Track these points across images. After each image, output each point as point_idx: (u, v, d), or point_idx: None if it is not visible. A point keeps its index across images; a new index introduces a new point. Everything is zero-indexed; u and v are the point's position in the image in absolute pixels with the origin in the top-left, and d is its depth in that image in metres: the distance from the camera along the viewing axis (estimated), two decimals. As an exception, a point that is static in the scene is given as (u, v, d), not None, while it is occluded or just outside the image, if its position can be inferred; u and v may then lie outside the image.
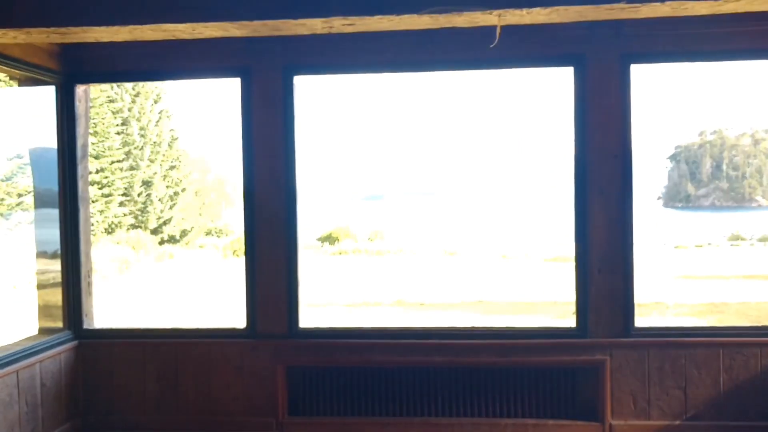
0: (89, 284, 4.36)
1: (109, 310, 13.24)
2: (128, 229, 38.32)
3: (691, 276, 25.85)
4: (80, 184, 4.28)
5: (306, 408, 4.14)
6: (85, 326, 4.28)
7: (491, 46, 2.93)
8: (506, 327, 4.33)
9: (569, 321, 9.34)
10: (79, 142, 4.28)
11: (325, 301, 13.66)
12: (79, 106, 4.28)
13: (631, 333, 3.94)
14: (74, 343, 4.22)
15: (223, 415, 4.16)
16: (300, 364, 4.12)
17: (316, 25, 2.80)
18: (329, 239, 50.71)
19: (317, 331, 4.35)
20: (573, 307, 10.11)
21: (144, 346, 4.27)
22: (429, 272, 27.59)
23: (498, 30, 2.88)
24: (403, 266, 30.39)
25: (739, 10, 3.68)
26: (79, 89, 4.26)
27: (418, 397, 4.04)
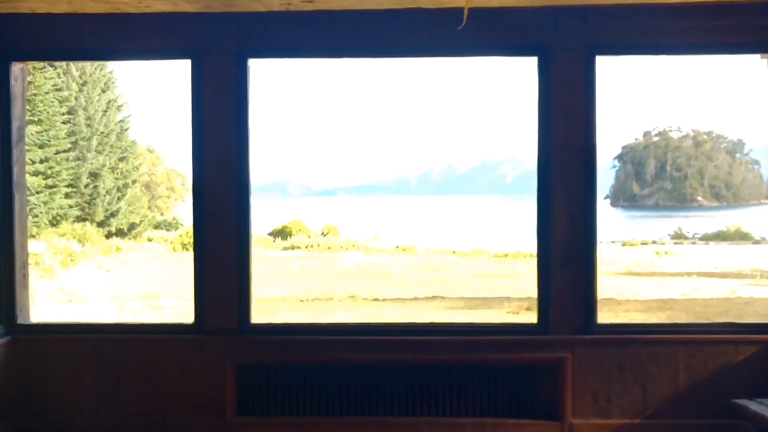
0: (24, 276, 4.06)
1: (51, 305, 12.71)
2: (74, 221, 37.18)
3: (639, 273, 26.49)
4: (15, 169, 3.98)
5: (257, 407, 3.93)
6: (18, 321, 3.98)
7: (459, 28, 2.79)
8: (466, 323, 4.21)
9: (526, 317, 9.35)
10: (15, 125, 3.98)
11: (277, 296, 13.41)
12: (15, 86, 3.97)
13: (592, 330, 3.87)
14: (6, 338, 3.92)
15: (168, 415, 3.92)
16: (251, 362, 3.92)
17: (272, 1, 2.61)
18: (282, 234, 50.19)
19: (269, 327, 4.16)
20: (526, 303, 10.11)
21: (83, 342, 3.99)
22: (383, 267, 27.49)
23: (465, 12, 2.75)
24: (356, 261, 30.23)
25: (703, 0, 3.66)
26: (15, 67, 3.95)
27: (374, 395, 3.88)
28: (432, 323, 4.19)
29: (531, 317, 9.99)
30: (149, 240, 48.87)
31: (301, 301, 11.76)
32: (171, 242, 42.39)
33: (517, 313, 10.04)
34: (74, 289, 16.95)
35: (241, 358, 3.90)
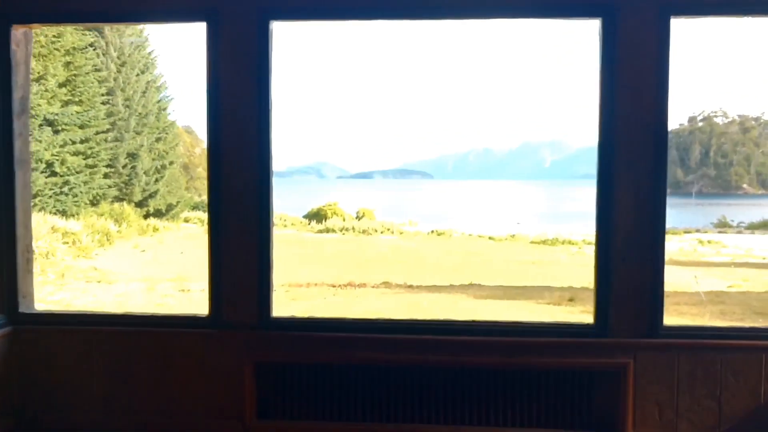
0: (28, 261, 3.73)
1: (81, 285, 12.59)
2: (112, 201, 37.54)
3: (681, 262, 25.57)
4: (18, 143, 3.63)
5: (278, 410, 3.55)
6: (21, 309, 3.65)
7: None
8: (512, 322, 3.72)
9: (570, 309, 8.82)
10: (17, 95, 3.62)
11: (309, 280, 13.08)
12: (17, 52, 3.61)
13: (658, 332, 3.38)
14: (7, 329, 3.60)
15: (182, 416, 3.56)
16: (271, 360, 3.52)
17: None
18: (317, 216, 50.13)
19: (291, 322, 3.75)
20: (568, 293, 9.55)
21: (90, 333, 3.64)
22: (417, 252, 27.06)
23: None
24: (390, 246, 29.85)
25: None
26: (17, 31, 3.59)
27: (408, 400, 3.46)
28: (473, 321, 3.71)
29: (574, 310, 9.47)
30: (186, 221, 49.31)
31: (333, 286, 11.38)
32: (206, 224, 42.65)
33: (559, 304, 9.51)
34: (107, 269, 16.93)
35: (260, 355, 3.51)
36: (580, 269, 21.52)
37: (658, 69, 3.33)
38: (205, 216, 45.33)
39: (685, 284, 15.29)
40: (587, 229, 55.80)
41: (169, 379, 3.57)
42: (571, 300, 9.68)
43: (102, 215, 32.82)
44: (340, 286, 11.44)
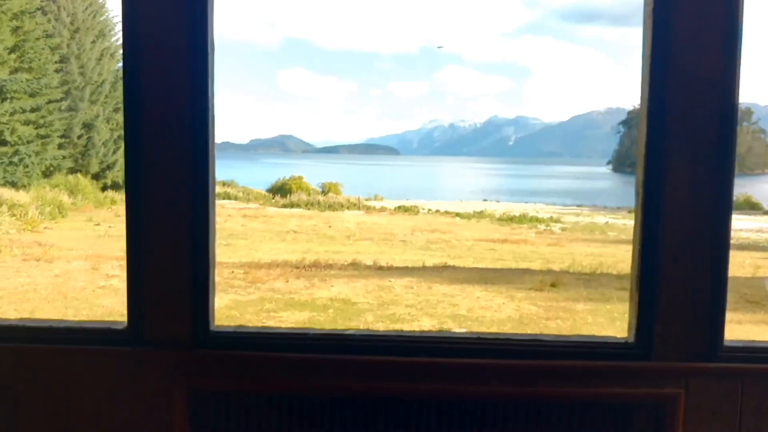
0: None
1: (16, 263, 11.48)
2: (67, 172, 36.02)
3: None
4: None
5: (219, 451, 2.69)
6: None
7: None
8: (525, 340, 2.89)
9: (555, 296, 8.12)
10: None
11: (271, 259, 12.20)
12: None
13: (718, 354, 2.60)
14: None
15: (91, 458, 2.69)
16: (210, 388, 2.65)
17: None
18: (281, 190, 49.06)
19: (239, 337, 2.85)
20: (549, 278, 8.83)
21: (-33, 350, 2.73)
22: (384, 228, 26.29)
23: None
24: (357, 221, 29.01)
25: None
26: None
27: (392, 440, 2.64)
28: (478, 338, 2.87)
29: (558, 296, 8.80)
30: (147, 193, 47.81)
31: (297, 267, 10.51)
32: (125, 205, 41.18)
33: (541, 290, 8.80)
34: (53, 244, 15.77)
35: (195, 381, 2.63)
36: (552, 249, 21.01)
37: (727, 10, 2.51)
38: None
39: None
40: (552, 206, 56.10)
41: (71, 412, 2.68)
42: (553, 285, 8.98)
43: (56, 187, 31.41)
44: (304, 267, 10.57)
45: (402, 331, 4.43)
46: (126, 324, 2.67)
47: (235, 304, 7.58)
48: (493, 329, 6.65)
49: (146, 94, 2.57)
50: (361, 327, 6.71)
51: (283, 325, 6.74)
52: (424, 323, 6.88)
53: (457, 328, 6.63)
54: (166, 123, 2.56)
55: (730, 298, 7.52)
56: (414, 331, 4.77)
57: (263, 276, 9.56)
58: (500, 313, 7.40)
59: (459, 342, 2.75)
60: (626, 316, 6.99)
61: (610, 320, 7.14)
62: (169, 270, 2.64)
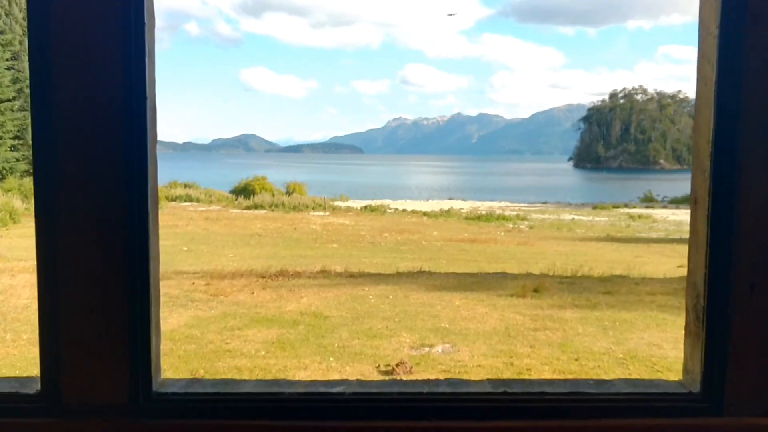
0: None
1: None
2: (22, 176, 34.71)
3: (619, 238, 25.26)
4: None
5: None
6: None
7: None
8: (569, 393, 2.33)
9: (540, 303, 7.50)
10: None
11: (234, 268, 11.49)
12: None
13: (804, 406, 2.08)
14: None
15: None
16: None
17: None
18: (245, 191, 48.08)
19: (191, 399, 2.22)
20: (531, 283, 8.29)
21: None
22: (351, 230, 25.68)
23: None
24: (323, 222, 28.35)
25: None
26: None
27: None
28: (503, 393, 2.29)
29: (542, 303, 8.30)
30: (105, 196, 46.35)
31: (263, 277, 9.83)
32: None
33: (524, 296, 8.29)
34: (0, 254, 14.78)
35: (135, 462, 2.00)
36: (523, 249, 20.68)
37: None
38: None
39: (640, 267, 14.49)
40: (515, 204, 55.88)
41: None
42: (536, 291, 8.48)
43: (9, 191, 30.10)
44: (270, 276, 9.89)
45: (403, 381, 3.83)
46: (39, 387, 2.02)
47: (195, 322, 6.88)
48: (479, 344, 6.10)
49: (58, 76, 1.91)
50: (335, 344, 6.09)
51: (250, 345, 6.08)
52: (403, 338, 6.29)
53: (441, 344, 6.06)
54: (88, 114, 1.91)
55: None
56: (417, 380, 4.22)
57: (227, 287, 8.86)
58: (484, 324, 6.86)
59: (479, 399, 2.17)
60: (617, 324, 6.41)
61: (601, 330, 6.64)
62: (97, 309, 1.98)
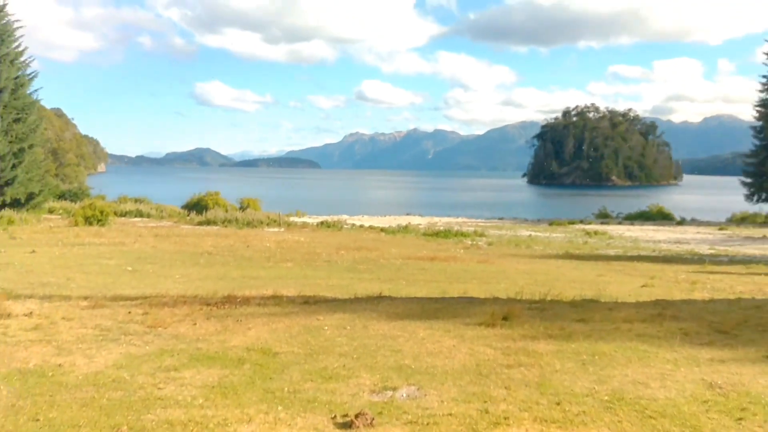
0: None
1: None
2: (-40, 189, 32.95)
3: (579, 256, 24.95)
4: None
5: None
6: None
7: None
8: None
9: (506, 335, 6.74)
10: None
11: (178, 294, 10.59)
12: None
13: None
14: None
15: None
16: None
17: None
18: (197, 207, 46.74)
19: None
20: (500, 309, 7.67)
21: None
22: (307, 247, 24.80)
23: None
24: (277, 240, 27.39)
25: None
26: None
27: None
28: None
29: (514, 333, 7.65)
30: (50, 211, 44.46)
31: (207, 304, 8.97)
32: (72, 215, 38.41)
33: (493, 325, 7.65)
34: None
35: None
36: (484, 267, 20.14)
37: None
38: (73, 206, 41.28)
39: (604, 284, 14.02)
40: (472, 219, 55.89)
41: None
42: (506, 319, 7.85)
43: (-54, 205, 28.43)
44: (216, 303, 9.04)
45: None
46: None
47: (126, 361, 6.03)
48: (448, 385, 5.41)
49: None
50: (285, 388, 5.32)
51: (186, 390, 5.27)
52: (363, 379, 5.56)
53: (405, 386, 5.35)
54: None
55: (696, 327, 6.47)
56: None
57: (167, 317, 7.98)
58: (453, 359, 6.18)
59: None
60: (596, 357, 5.74)
61: (580, 365, 6.04)
62: None
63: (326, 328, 7.46)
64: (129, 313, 8.28)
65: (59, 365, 5.93)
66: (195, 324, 7.63)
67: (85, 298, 9.62)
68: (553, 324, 7.77)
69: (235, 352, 6.38)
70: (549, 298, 9.87)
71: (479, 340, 6.96)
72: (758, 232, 42.08)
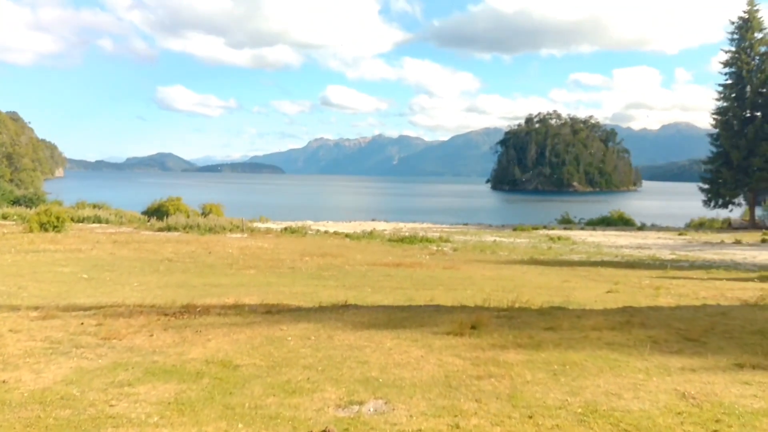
0: None
1: None
2: None
3: (544, 261, 25.00)
4: None
5: None
6: None
7: None
8: None
9: (474, 344, 6.49)
10: None
11: (137, 302, 10.19)
12: None
13: None
14: None
15: None
16: None
17: None
18: (158, 212, 45.80)
19: None
20: (468, 316, 7.48)
21: None
22: (270, 254, 24.39)
23: None
24: (240, 246, 26.90)
25: None
26: None
27: None
28: None
29: (482, 342, 7.48)
30: (4, 217, 43.11)
31: (165, 314, 8.61)
32: (27, 221, 37.27)
33: (461, 334, 7.47)
34: None
35: None
36: (450, 273, 20.03)
37: None
38: (28, 212, 40.13)
39: (570, 290, 13.98)
40: (437, 225, 56.00)
41: None
42: (474, 327, 7.68)
43: None
44: (174, 313, 8.69)
45: None
46: None
47: (77, 376, 5.68)
48: (417, 398, 5.20)
49: None
50: (246, 404, 5.05)
51: (140, 407, 4.96)
52: (328, 393, 5.31)
53: (372, 400, 5.13)
54: None
55: (665, 335, 6.37)
56: None
57: (122, 328, 7.62)
58: (421, 371, 5.98)
59: None
60: (567, 367, 5.55)
61: (551, 376, 5.89)
62: None
63: (290, 338, 7.19)
64: (82, 324, 7.88)
65: (3, 382, 5.55)
66: (152, 335, 7.28)
67: (36, 308, 9.17)
68: (522, 333, 7.63)
69: (194, 365, 6.08)
70: (517, 305, 9.74)
71: (447, 350, 6.77)
72: (716, 237, 42.91)
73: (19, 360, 6.26)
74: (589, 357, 6.60)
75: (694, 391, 5.59)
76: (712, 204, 59.51)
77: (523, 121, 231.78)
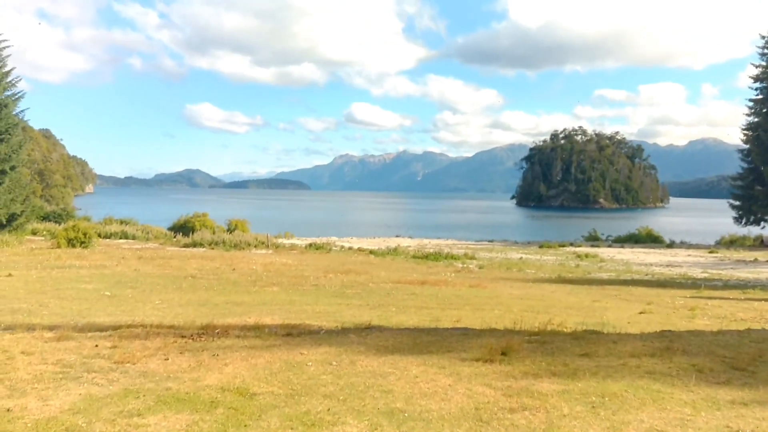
0: None
1: None
2: (-62, 209, 32.15)
3: (573, 281, 24.38)
4: None
5: None
6: None
7: None
8: None
9: (506, 372, 6.07)
10: None
11: (157, 321, 9.94)
12: None
13: None
14: None
15: None
16: None
17: None
18: (184, 228, 45.91)
19: None
20: (498, 341, 7.08)
21: None
22: (294, 270, 24.12)
23: None
24: (264, 262, 26.69)
25: None
26: None
27: None
28: None
29: (514, 371, 7.07)
30: (33, 233, 43.54)
31: (182, 336, 8.31)
32: (55, 236, 37.55)
33: (492, 361, 7.05)
34: None
35: None
36: (476, 292, 19.54)
37: None
38: (57, 227, 40.38)
39: (601, 311, 13.43)
40: (462, 241, 55.29)
41: None
42: (504, 354, 7.25)
43: None
44: (192, 334, 8.39)
45: None
46: None
47: (85, 404, 5.37)
48: (446, 433, 4.80)
49: None
50: (263, 437, 4.69)
51: (149, 440, 4.63)
52: (350, 426, 4.94)
53: (397, 435, 4.73)
54: None
55: (710, 363, 5.84)
56: None
57: (137, 351, 7.33)
58: (449, 402, 5.57)
59: None
60: (606, 399, 5.05)
61: (590, 409, 5.44)
62: None
63: (310, 363, 6.83)
64: (96, 346, 7.61)
65: (8, 410, 5.27)
66: (167, 359, 6.97)
67: (52, 328, 8.94)
68: (556, 359, 7.18)
69: (208, 392, 5.74)
70: (549, 328, 9.28)
71: (477, 379, 6.35)
72: (749, 255, 41.75)
73: (27, 385, 5.99)
74: (629, 387, 6.14)
75: (749, 429, 5.11)
76: (743, 221, 58.10)
77: (548, 137, 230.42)
